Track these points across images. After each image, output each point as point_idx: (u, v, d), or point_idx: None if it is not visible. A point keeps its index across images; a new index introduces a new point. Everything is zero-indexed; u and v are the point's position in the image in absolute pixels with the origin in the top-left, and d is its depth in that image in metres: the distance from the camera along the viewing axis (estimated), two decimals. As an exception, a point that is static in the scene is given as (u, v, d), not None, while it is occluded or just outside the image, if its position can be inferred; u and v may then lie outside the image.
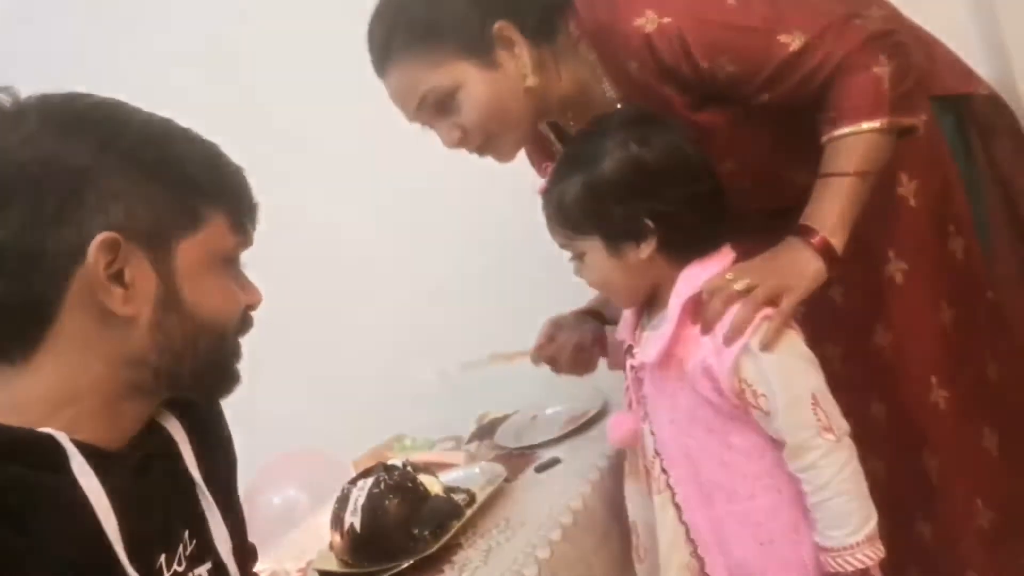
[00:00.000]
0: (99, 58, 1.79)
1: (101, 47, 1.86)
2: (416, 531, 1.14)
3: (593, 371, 1.22)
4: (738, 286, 0.92)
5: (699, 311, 0.95)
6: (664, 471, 1.01)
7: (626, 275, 0.99)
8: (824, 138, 1.01)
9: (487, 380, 1.69)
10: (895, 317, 1.13)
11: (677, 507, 1.00)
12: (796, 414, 0.91)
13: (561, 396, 1.51)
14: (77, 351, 0.66)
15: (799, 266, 0.96)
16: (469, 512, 1.18)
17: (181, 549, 0.73)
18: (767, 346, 0.91)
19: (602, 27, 1.04)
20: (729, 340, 0.91)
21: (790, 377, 0.92)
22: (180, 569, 0.72)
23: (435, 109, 1.07)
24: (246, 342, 0.79)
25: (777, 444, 0.93)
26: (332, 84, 1.64)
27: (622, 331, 1.09)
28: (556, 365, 1.21)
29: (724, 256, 0.98)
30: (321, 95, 1.75)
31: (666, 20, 0.99)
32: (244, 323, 0.77)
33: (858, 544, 0.90)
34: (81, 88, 0.70)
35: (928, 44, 1.19)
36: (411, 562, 1.10)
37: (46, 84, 0.68)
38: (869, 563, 0.90)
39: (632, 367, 1.05)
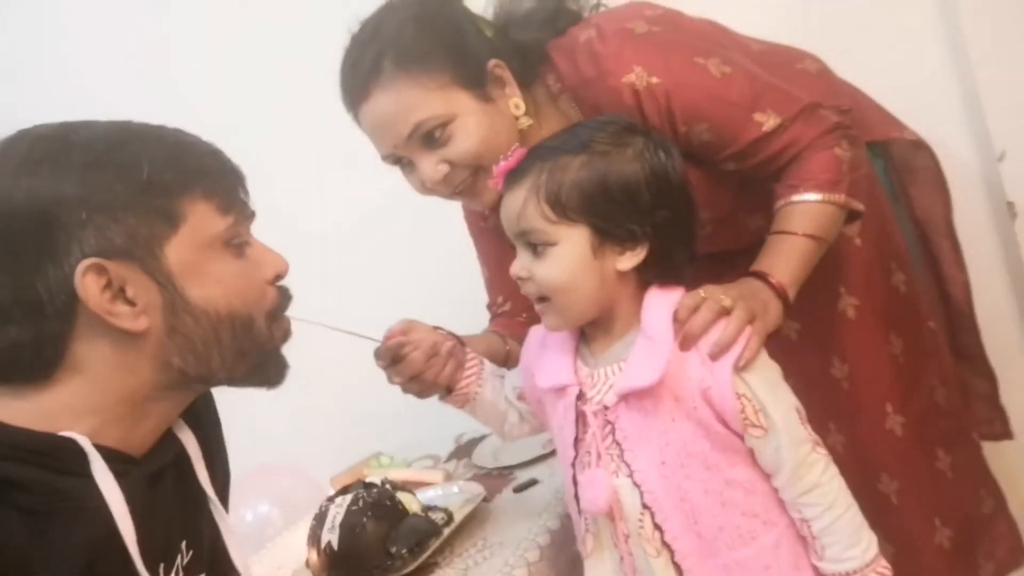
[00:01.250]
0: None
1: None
2: (393, 549, 1.14)
3: (433, 392, 1.06)
4: (725, 302, 0.89)
5: (677, 332, 0.88)
6: (657, 527, 0.88)
7: (595, 281, 0.88)
8: (781, 202, 1.05)
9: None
10: (849, 350, 1.18)
11: (677, 567, 0.88)
12: (792, 428, 0.87)
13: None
14: (99, 369, 0.67)
15: (763, 298, 0.97)
16: (447, 531, 1.18)
17: (179, 560, 0.73)
18: (755, 361, 0.87)
19: (587, 82, 1.06)
20: (717, 355, 0.85)
21: (779, 391, 0.89)
22: None
23: (423, 140, 1.03)
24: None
25: (765, 476, 0.89)
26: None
27: (551, 374, 0.94)
28: (401, 367, 1.03)
29: (677, 288, 0.92)
30: (309, 95, 1.75)
31: (655, 80, 1.02)
32: (278, 298, 0.75)
33: (876, 557, 0.87)
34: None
35: (857, 95, 1.28)
36: (388, 581, 1.10)
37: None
38: None
39: (594, 412, 0.90)
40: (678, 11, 1.14)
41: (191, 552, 0.75)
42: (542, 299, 0.90)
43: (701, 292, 0.90)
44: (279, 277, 0.76)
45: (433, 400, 1.75)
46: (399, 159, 1.07)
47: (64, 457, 0.64)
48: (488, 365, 1.10)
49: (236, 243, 0.73)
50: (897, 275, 1.21)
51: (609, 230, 0.87)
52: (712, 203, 1.09)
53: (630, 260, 0.89)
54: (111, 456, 0.66)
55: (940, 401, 1.22)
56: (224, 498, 0.85)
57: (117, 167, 0.67)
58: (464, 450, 1.62)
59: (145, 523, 0.67)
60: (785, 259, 1.01)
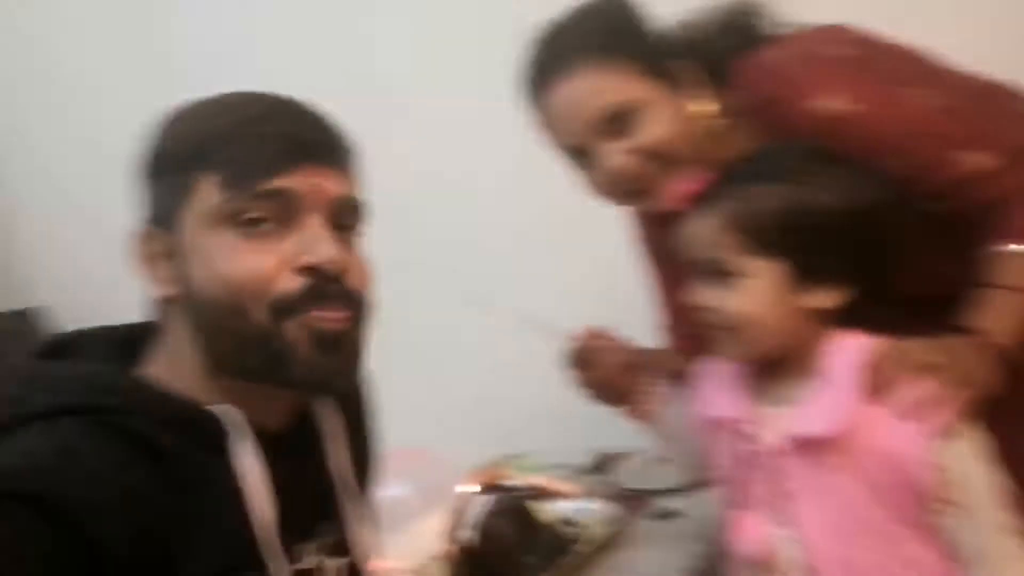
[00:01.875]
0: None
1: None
2: (527, 559, 1.12)
3: (618, 404, 1.02)
4: (935, 359, 0.81)
5: (867, 383, 0.82)
6: None
7: (786, 319, 0.82)
8: (995, 247, 0.93)
9: (609, 412, 1.66)
10: None
11: None
12: (996, 512, 0.79)
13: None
14: (173, 332, 0.70)
15: (976, 359, 0.87)
16: (584, 550, 1.16)
17: (318, 541, 0.73)
18: (963, 430, 0.79)
19: (769, 103, 0.99)
20: (922, 418, 0.78)
21: (984, 466, 0.80)
22: (314, 561, 0.72)
23: (611, 126, 0.99)
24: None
25: (950, 562, 0.81)
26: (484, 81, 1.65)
27: (714, 405, 0.91)
28: (592, 374, 1.01)
29: (863, 334, 0.86)
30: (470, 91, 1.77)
31: (844, 107, 0.93)
32: (297, 290, 0.64)
33: None
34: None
35: None
36: (521, 591, 1.09)
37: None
38: None
39: (758, 451, 0.86)
40: (878, 34, 1.04)
41: (331, 534, 0.74)
42: (725, 329, 0.85)
43: (907, 344, 0.83)
44: (313, 267, 0.65)
45: (576, 409, 1.72)
46: (580, 151, 1.03)
47: (209, 428, 0.65)
48: (674, 387, 1.07)
49: (247, 221, 0.64)
50: None
51: (806, 266, 0.82)
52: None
53: (825, 299, 0.83)
54: (252, 431, 0.66)
55: None
56: (364, 484, 0.84)
57: (156, 138, 0.70)
58: (603, 465, 1.58)
59: (283, 501, 0.67)
60: (1000, 315, 0.91)
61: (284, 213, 0.65)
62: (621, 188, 1.03)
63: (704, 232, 0.84)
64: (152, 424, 0.62)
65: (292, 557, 0.70)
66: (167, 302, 0.68)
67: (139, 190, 0.70)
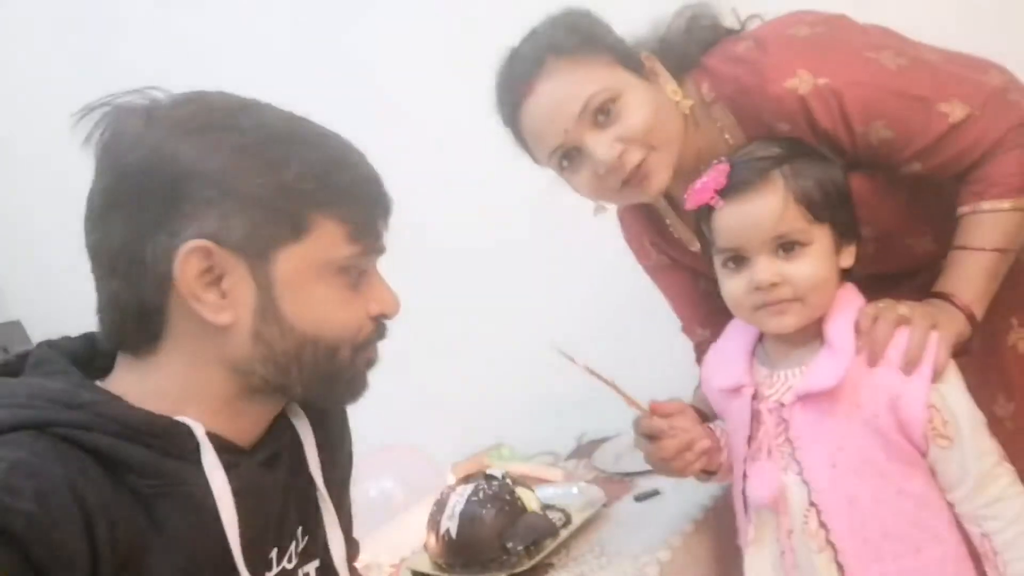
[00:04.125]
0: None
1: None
2: (510, 545, 1.13)
3: (679, 476, 1.04)
4: (902, 310, 0.89)
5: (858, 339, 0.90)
6: (823, 525, 0.89)
7: (835, 280, 0.91)
8: (965, 208, 0.97)
9: (591, 398, 1.67)
10: (1017, 387, 1.07)
11: (840, 566, 0.88)
12: (981, 440, 0.87)
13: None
14: (189, 352, 0.67)
15: (947, 315, 0.93)
16: (565, 533, 1.17)
17: (293, 545, 0.74)
18: (946, 370, 0.87)
19: (745, 89, 1.01)
20: (910, 367, 0.86)
21: (969, 400, 0.88)
22: (289, 566, 0.73)
23: (593, 118, 1.00)
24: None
25: (940, 492, 0.88)
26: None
27: (726, 375, 0.99)
28: (653, 448, 1.03)
29: (858, 300, 0.94)
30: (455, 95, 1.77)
31: (822, 81, 0.96)
32: (373, 334, 0.73)
33: None
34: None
35: None
36: (503, 576, 1.10)
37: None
38: None
39: (769, 409, 0.93)
40: (842, 13, 1.06)
41: (307, 538, 0.75)
42: (791, 300, 0.89)
43: (880, 303, 0.91)
44: (384, 316, 0.73)
45: (557, 397, 1.73)
46: (567, 152, 1.03)
47: (176, 442, 0.65)
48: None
49: (353, 273, 0.70)
50: None
51: (842, 228, 0.92)
52: (875, 218, 1.02)
53: (849, 258, 0.93)
54: (222, 446, 0.67)
55: None
56: (346, 483, 0.85)
57: (266, 160, 0.65)
58: (585, 450, 1.60)
59: (255, 510, 0.68)
60: (970, 277, 0.96)
61: (368, 266, 0.73)
62: (614, 178, 1.02)
63: (767, 211, 0.89)
64: (114, 438, 0.62)
65: (265, 563, 0.70)
66: (209, 326, 0.65)
67: (207, 205, 0.64)
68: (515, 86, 1.03)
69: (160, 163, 0.63)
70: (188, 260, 0.63)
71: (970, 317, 0.93)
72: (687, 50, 1.08)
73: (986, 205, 0.96)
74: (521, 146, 1.08)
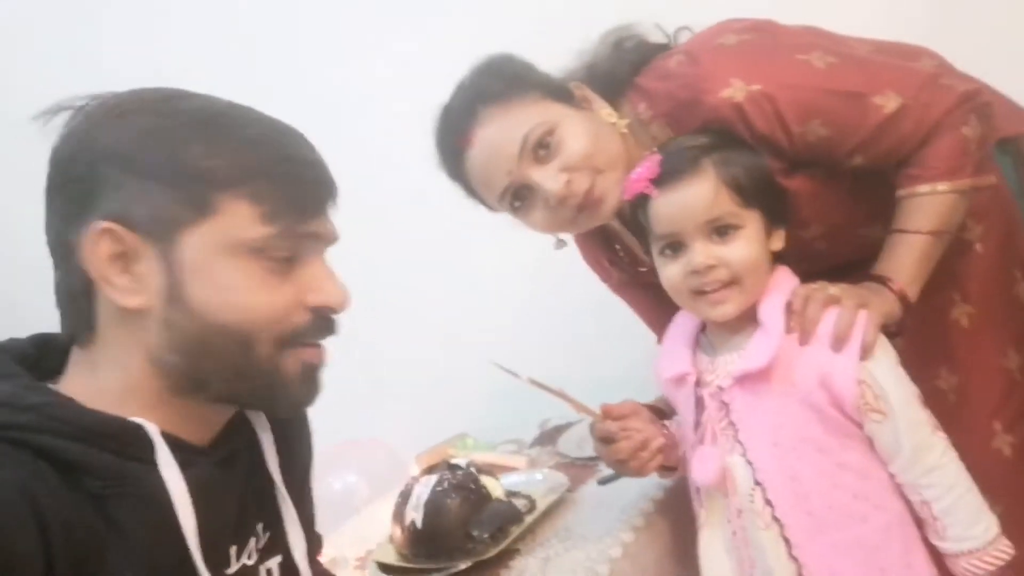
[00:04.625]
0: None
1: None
2: (475, 533, 1.14)
3: (638, 475, 1.06)
4: (832, 291, 0.92)
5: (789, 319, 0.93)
6: (768, 503, 0.92)
7: (766, 263, 0.94)
8: (903, 192, 1.01)
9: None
10: (960, 361, 1.11)
11: (787, 541, 0.91)
12: (913, 412, 0.90)
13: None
14: (117, 343, 0.66)
15: (878, 296, 0.96)
16: (530, 519, 1.18)
17: (253, 542, 0.73)
18: (874, 347, 0.90)
19: (681, 103, 1.02)
20: (839, 344, 0.89)
21: (899, 375, 0.91)
22: (250, 562, 0.72)
23: (534, 154, 1.02)
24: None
25: (880, 463, 0.91)
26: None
27: (671, 365, 1.01)
28: (609, 450, 1.04)
29: (791, 282, 0.97)
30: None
31: (755, 87, 0.98)
32: (304, 326, 0.68)
33: (997, 537, 0.90)
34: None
35: (982, 87, 1.15)
36: (469, 564, 1.10)
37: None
38: (1008, 557, 0.90)
39: (710, 394, 0.96)
40: (769, 19, 1.08)
41: (267, 534, 0.75)
42: (728, 284, 0.92)
43: (813, 285, 0.94)
44: (326, 308, 0.69)
45: (519, 385, 1.73)
46: (516, 193, 1.04)
47: (130, 442, 0.62)
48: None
49: (276, 257, 0.67)
50: (1021, 284, 1.13)
51: (770, 212, 0.95)
52: (823, 215, 1.06)
53: (778, 241, 0.96)
54: (177, 445, 0.66)
55: None
56: (306, 479, 0.85)
57: (171, 141, 0.64)
58: (549, 437, 1.61)
59: (213, 507, 0.67)
60: (904, 260, 0.99)
61: (301, 252, 0.68)
62: (567, 208, 1.03)
63: (699, 197, 0.92)
64: (66, 440, 0.60)
65: (224, 560, 0.70)
66: (125, 312, 0.64)
67: (115, 188, 0.64)
68: (453, 140, 1.05)
69: (80, 149, 0.64)
70: (96, 242, 0.63)
71: (903, 298, 0.96)
72: (616, 72, 1.10)
73: (922, 188, 0.99)
74: (473, 197, 1.10)
